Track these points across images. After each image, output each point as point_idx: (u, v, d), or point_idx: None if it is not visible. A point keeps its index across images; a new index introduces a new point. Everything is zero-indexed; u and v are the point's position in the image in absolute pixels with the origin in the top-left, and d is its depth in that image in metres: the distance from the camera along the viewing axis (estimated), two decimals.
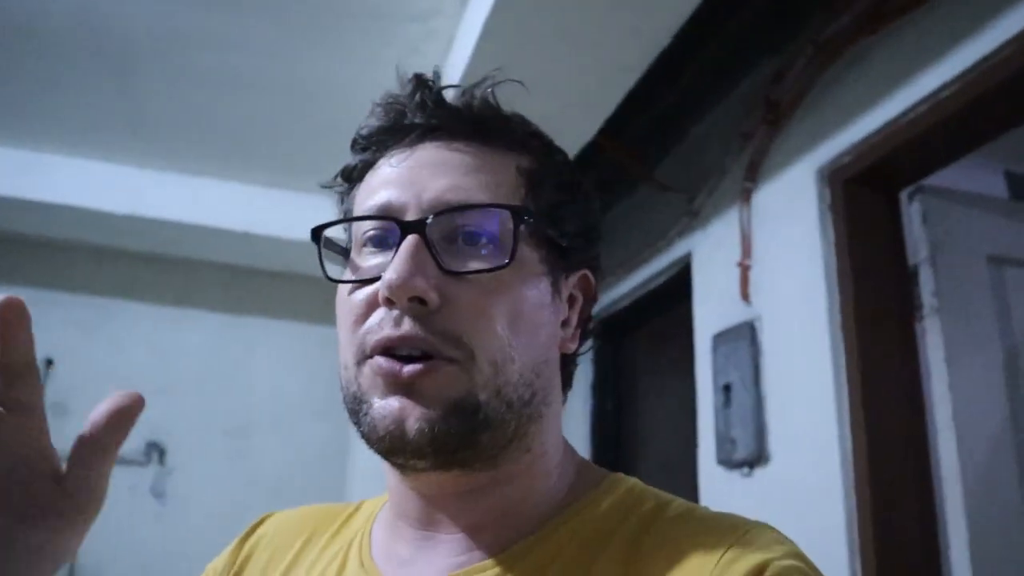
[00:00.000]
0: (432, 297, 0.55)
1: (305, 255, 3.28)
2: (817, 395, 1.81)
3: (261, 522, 0.74)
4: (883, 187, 1.86)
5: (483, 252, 0.57)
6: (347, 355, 0.59)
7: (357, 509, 0.72)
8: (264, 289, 3.45)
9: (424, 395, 0.54)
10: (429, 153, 0.60)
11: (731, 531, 0.54)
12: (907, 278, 1.85)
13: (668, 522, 0.57)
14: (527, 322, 0.58)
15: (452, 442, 0.54)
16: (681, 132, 2.44)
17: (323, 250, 0.61)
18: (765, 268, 2.07)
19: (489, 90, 0.63)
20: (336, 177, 0.67)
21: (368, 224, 0.59)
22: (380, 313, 0.56)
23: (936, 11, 1.66)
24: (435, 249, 0.56)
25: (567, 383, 0.66)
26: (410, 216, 0.57)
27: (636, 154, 2.45)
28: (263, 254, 3.22)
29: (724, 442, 2.06)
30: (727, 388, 2.09)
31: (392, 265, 0.55)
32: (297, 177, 2.94)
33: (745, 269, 2.11)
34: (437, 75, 0.63)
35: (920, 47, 1.68)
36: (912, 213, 1.87)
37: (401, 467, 0.58)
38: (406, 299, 0.54)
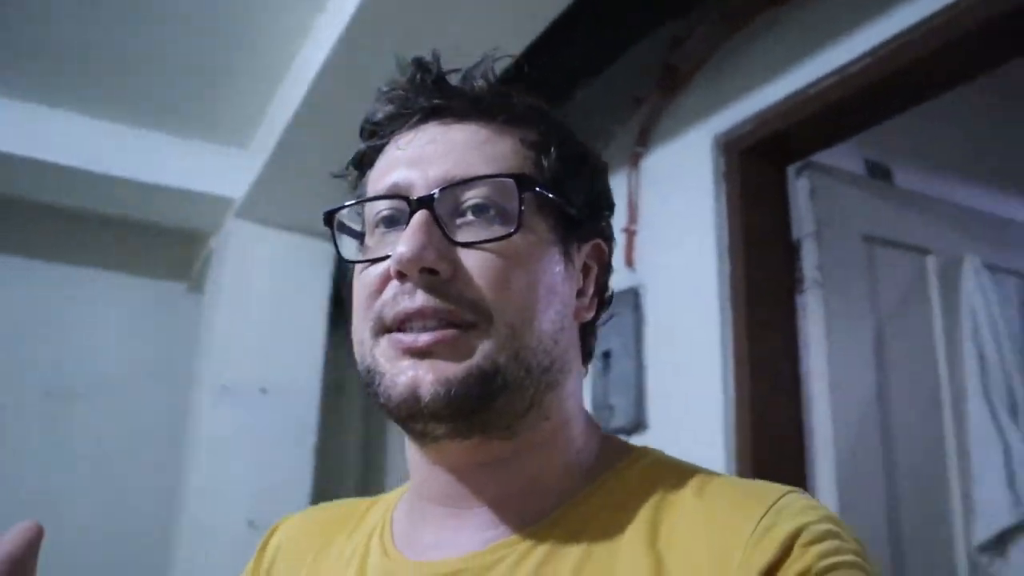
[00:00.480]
0: (443, 267, 0.56)
1: (152, 201, 3.01)
2: (702, 364, 1.81)
3: (274, 531, 0.74)
4: (776, 160, 1.88)
5: (492, 223, 0.58)
6: (363, 330, 0.60)
7: (373, 504, 0.72)
8: (100, 237, 3.09)
9: (441, 360, 0.55)
10: (433, 133, 0.62)
11: (765, 497, 0.55)
12: (791, 251, 1.88)
13: (698, 490, 0.58)
14: (541, 288, 0.59)
15: (469, 404, 0.55)
16: (567, 94, 2.37)
17: (340, 234, 0.64)
18: (652, 234, 2.04)
19: (489, 68, 0.65)
20: (348, 166, 0.69)
21: (380, 205, 0.62)
22: (394, 287, 0.58)
23: None
24: (443, 222, 0.58)
25: (587, 355, 0.68)
26: (418, 194, 0.59)
27: None
28: (101, 196, 2.86)
29: (601, 409, 2.03)
30: (607, 355, 2.05)
31: (402, 239, 0.56)
32: (149, 114, 2.64)
33: (631, 235, 2.08)
34: (437, 57, 0.64)
35: (828, 21, 1.68)
36: (799, 188, 1.90)
37: (421, 436, 0.59)
38: (416, 271, 0.56)
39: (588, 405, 2.03)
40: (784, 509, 0.53)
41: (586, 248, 0.65)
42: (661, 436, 1.89)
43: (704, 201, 1.89)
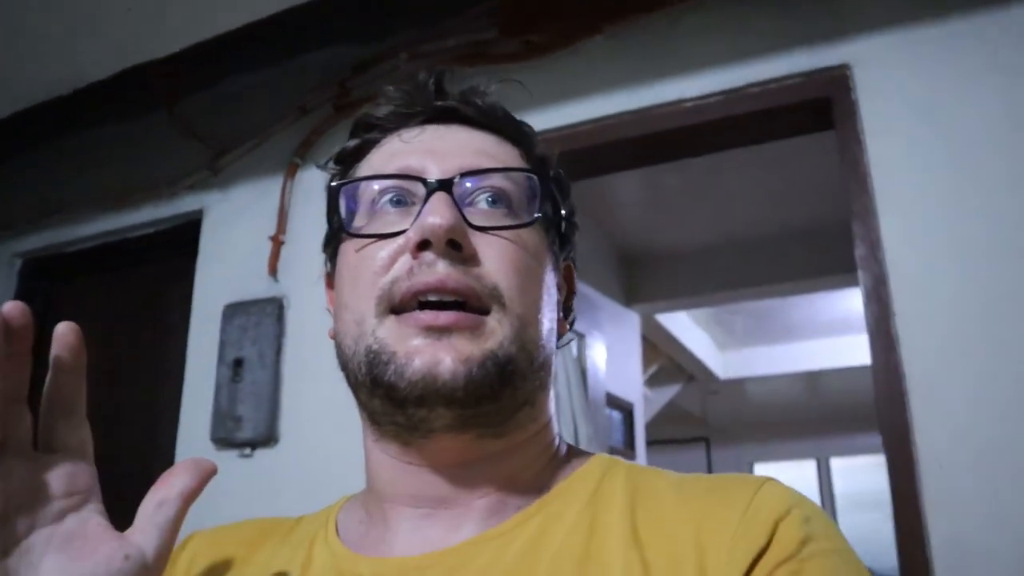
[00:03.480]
0: (466, 243, 0.55)
1: None
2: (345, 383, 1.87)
3: (185, 545, 0.67)
4: None
5: (504, 217, 0.59)
6: (362, 309, 0.57)
7: (298, 521, 0.67)
8: None
9: (460, 340, 0.54)
10: (441, 132, 0.63)
11: (746, 485, 0.54)
12: None
13: (673, 482, 0.57)
14: (544, 288, 0.60)
15: (483, 389, 0.54)
16: (220, 79, 2.24)
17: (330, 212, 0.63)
18: (302, 248, 2.04)
19: (489, 86, 0.67)
20: (328, 162, 0.67)
21: (388, 185, 0.60)
22: (406, 261, 0.56)
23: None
24: (460, 207, 0.57)
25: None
26: (434, 178, 0.58)
27: (171, 82, 2.15)
28: None
29: (226, 419, 1.96)
30: (239, 363, 1.99)
31: (429, 210, 0.55)
32: None
33: (278, 244, 2.05)
34: (443, 71, 0.66)
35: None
36: None
37: (413, 429, 0.56)
38: (444, 241, 0.54)
39: (209, 415, 1.96)
40: (768, 494, 0.53)
41: (562, 267, 0.67)
42: (292, 452, 1.90)
43: None
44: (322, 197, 1.95)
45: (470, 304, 0.55)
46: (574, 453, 0.64)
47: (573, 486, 0.59)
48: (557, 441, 0.64)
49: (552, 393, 0.65)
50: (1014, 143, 1.48)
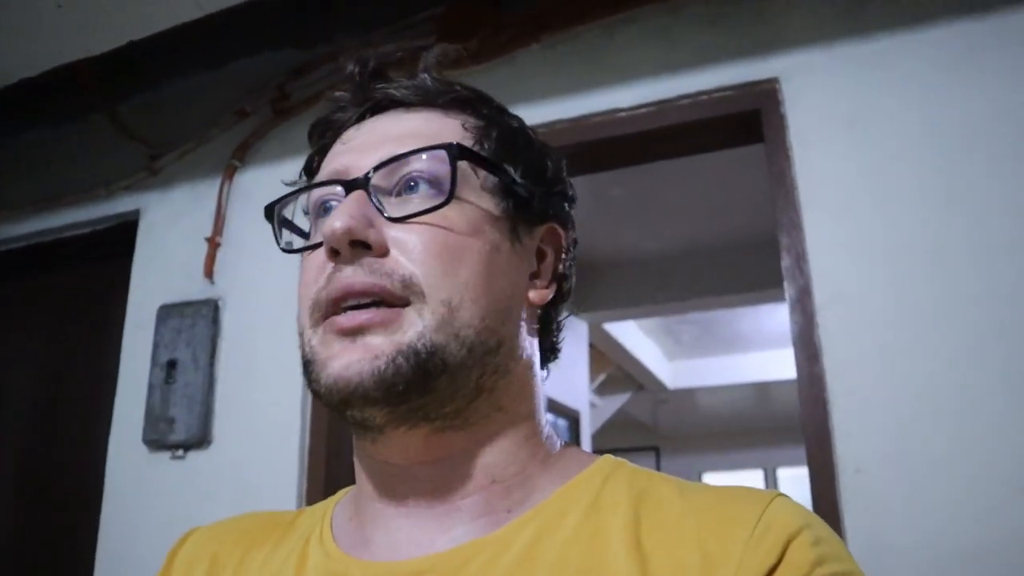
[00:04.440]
0: (375, 240, 0.54)
1: None
2: (281, 385, 1.86)
3: (183, 543, 0.66)
4: None
5: (428, 197, 0.56)
6: (303, 320, 0.56)
7: (299, 514, 0.67)
8: None
9: (373, 337, 0.52)
10: (374, 124, 0.61)
11: (757, 499, 0.53)
12: None
13: (679, 490, 0.56)
14: (482, 265, 0.56)
15: (401, 383, 0.51)
16: (159, 80, 2.22)
17: (284, 230, 0.62)
18: (238, 250, 2.03)
19: (429, 59, 0.65)
20: (300, 175, 0.67)
21: (317, 194, 0.59)
22: (328, 269, 0.55)
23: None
24: (379, 202, 0.55)
25: (548, 350, 0.65)
26: (353, 177, 0.57)
27: (106, 82, 2.12)
28: None
29: (158, 421, 1.93)
30: (172, 364, 1.97)
31: (331, 215, 0.54)
32: None
33: (215, 246, 2.04)
34: (372, 56, 0.64)
35: None
36: None
37: (362, 428, 0.55)
38: (347, 244, 0.53)
39: (141, 418, 1.95)
40: (779, 511, 0.52)
41: (539, 231, 0.63)
42: (225, 454, 1.88)
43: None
44: (259, 200, 1.94)
45: (387, 302, 0.53)
46: (574, 453, 0.62)
47: (573, 491, 0.56)
48: (546, 435, 0.61)
49: (534, 383, 0.61)
50: (933, 157, 1.53)
